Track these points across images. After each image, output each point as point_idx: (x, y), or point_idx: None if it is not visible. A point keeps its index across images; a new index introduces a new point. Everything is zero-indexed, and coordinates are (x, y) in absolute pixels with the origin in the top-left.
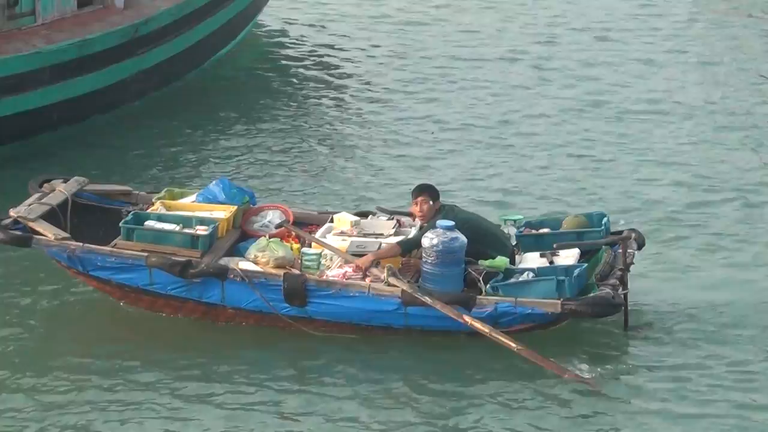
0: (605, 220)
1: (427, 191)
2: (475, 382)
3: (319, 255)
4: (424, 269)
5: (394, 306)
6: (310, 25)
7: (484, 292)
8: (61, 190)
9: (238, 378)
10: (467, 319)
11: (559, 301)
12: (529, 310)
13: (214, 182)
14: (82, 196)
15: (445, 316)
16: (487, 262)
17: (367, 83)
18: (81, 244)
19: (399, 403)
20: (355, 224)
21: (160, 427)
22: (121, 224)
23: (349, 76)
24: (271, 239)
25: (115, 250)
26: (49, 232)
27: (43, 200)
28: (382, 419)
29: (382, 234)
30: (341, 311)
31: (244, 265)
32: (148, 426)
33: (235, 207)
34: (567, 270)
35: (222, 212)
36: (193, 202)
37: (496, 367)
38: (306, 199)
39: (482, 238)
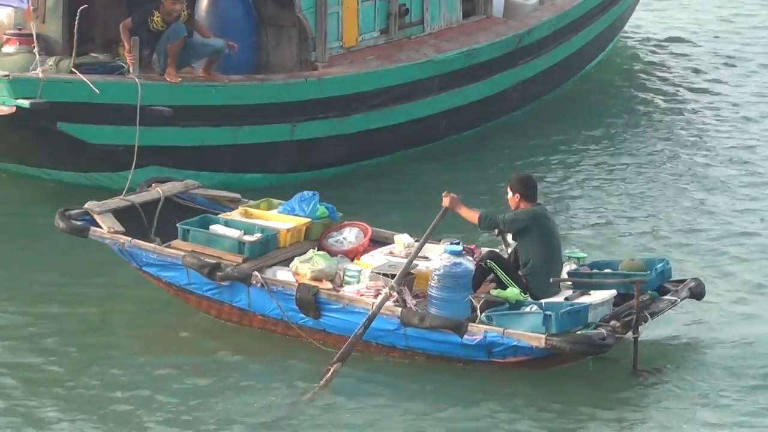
0: (660, 265)
1: (510, 182)
2: (480, 405)
3: (359, 272)
4: (429, 293)
5: (395, 326)
6: (675, 38)
7: (478, 320)
8: (157, 189)
9: (246, 385)
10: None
11: (543, 336)
12: (515, 342)
13: (297, 196)
14: (187, 198)
15: (442, 340)
16: (496, 292)
17: (736, 110)
18: (129, 238)
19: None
20: (407, 246)
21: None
22: (178, 224)
23: (713, 99)
24: (318, 252)
25: (157, 247)
26: (105, 225)
27: (128, 197)
28: None
29: (427, 257)
30: (350, 327)
31: (283, 274)
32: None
33: (307, 220)
34: (555, 306)
35: (289, 224)
36: (277, 213)
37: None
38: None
39: (544, 256)
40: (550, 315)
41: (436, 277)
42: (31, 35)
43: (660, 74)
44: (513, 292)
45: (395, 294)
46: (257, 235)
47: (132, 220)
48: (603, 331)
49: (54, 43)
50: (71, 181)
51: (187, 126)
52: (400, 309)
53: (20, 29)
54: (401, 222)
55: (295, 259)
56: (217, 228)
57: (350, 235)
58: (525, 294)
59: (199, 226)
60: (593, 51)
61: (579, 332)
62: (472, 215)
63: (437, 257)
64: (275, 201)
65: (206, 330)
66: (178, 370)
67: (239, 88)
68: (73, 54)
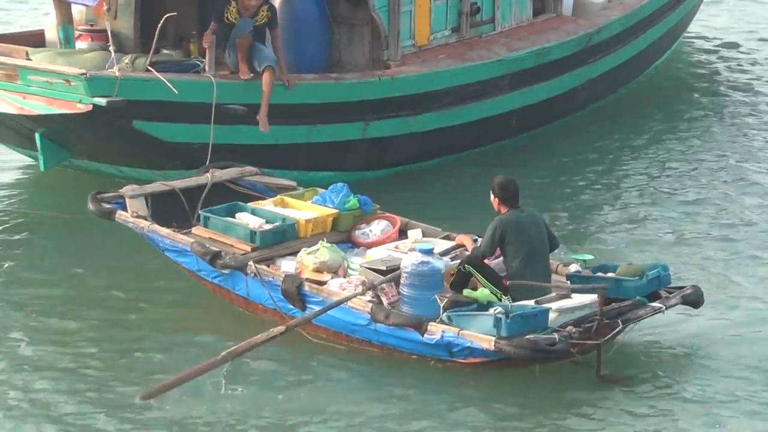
0: (654, 272)
1: (492, 185)
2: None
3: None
4: (400, 291)
5: (366, 321)
6: (733, 43)
7: (439, 320)
8: (206, 175)
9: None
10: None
11: (493, 338)
12: (469, 343)
13: (330, 187)
14: (247, 185)
15: (406, 338)
16: (466, 292)
17: None
18: (149, 223)
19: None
20: (416, 241)
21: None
22: (200, 210)
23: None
24: (326, 244)
25: (171, 233)
26: (131, 209)
27: (169, 182)
28: None
29: None
30: (331, 320)
31: (288, 265)
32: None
33: (334, 211)
34: (507, 308)
35: (311, 213)
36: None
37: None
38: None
39: (519, 260)
40: (500, 317)
41: (405, 275)
42: (102, 31)
43: (717, 78)
44: (483, 292)
45: (369, 291)
46: (269, 225)
47: (178, 204)
48: (555, 336)
49: (125, 39)
50: (144, 178)
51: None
52: (371, 305)
53: (92, 25)
54: (452, 219)
55: (302, 250)
56: (242, 216)
57: (377, 228)
58: (504, 296)
59: (227, 213)
60: (658, 50)
61: (528, 337)
62: (465, 240)
63: (408, 255)
64: (320, 190)
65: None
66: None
67: (313, 86)
68: (151, 53)
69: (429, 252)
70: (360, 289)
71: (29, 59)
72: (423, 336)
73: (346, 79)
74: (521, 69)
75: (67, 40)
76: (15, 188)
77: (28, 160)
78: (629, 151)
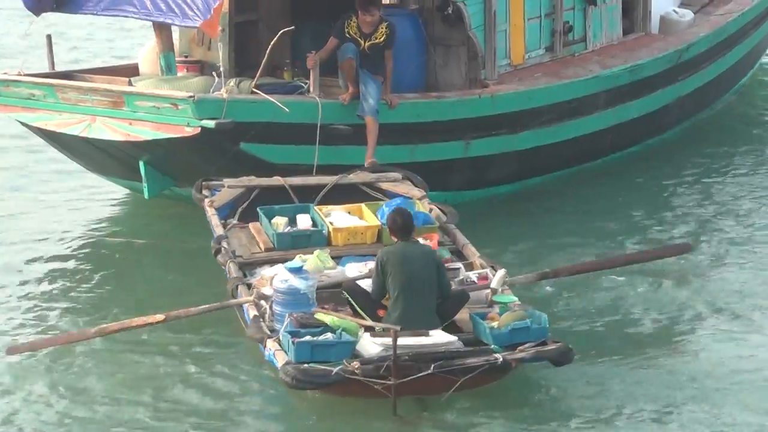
0: (523, 323)
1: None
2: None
3: None
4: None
5: None
6: None
7: (275, 338)
8: (334, 176)
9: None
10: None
11: (284, 361)
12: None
13: (398, 200)
14: (386, 191)
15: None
16: (319, 315)
17: None
18: (213, 211)
19: None
20: None
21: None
22: (258, 208)
23: None
24: (321, 252)
25: (215, 222)
26: (219, 199)
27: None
28: None
29: None
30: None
31: (271, 270)
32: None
33: (377, 224)
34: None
35: (347, 224)
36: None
37: None
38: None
39: (394, 292)
40: (287, 342)
41: (274, 293)
42: (197, 62)
43: None
44: (332, 318)
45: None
46: (289, 228)
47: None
48: (332, 369)
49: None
50: None
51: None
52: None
53: (186, 56)
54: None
55: (297, 256)
56: (301, 218)
57: None
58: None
59: (297, 213)
60: (744, 68)
61: (304, 366)
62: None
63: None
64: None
65: None
66: None
67: (415, 106)
68: (258, 75)
69: (296, 270)
70: (252, 296)
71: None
72: (264, 350)
73: (447, 97)
74: (616, 86)
75: (169, 68)
76: (113, 219)
77: (124, 191)
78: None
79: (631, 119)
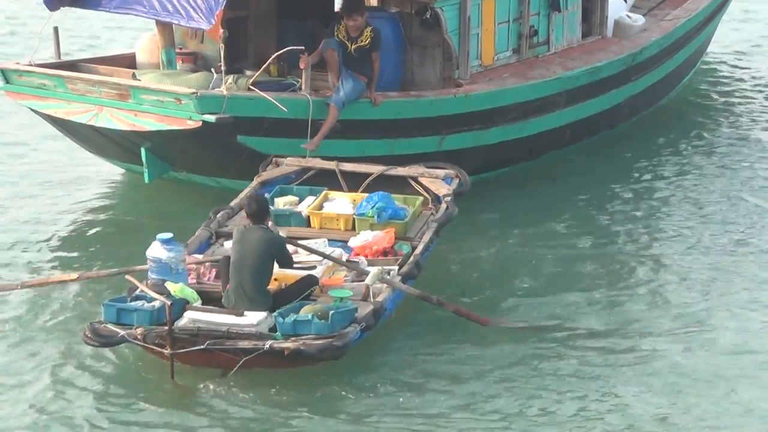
0: (304, 316)
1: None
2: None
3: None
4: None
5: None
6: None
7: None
8: (383, 167)
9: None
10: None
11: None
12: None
13: (380, 194)
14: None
15: None
16: (168, 284)
17: None
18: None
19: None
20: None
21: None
22: (279, 186)
23: None
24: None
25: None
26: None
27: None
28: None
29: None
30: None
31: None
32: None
33: (349, 213)
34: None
35: (329, 209)
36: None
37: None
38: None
39: (232, 270)
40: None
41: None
42: (191, 54)
43: (735, 95)
44: (177, 287)
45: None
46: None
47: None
48: (120, 332)
49: (212, 61)
50: (239, 188)
51: (352, 138)
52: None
53: (181, 48)
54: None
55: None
56: (277, 200)
57: (369, 236)
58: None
59: (305, 194)
60: (688, 67)
61: (105, 325)
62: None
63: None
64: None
65: None
66: None
67: (397, 103)
68: (257, 74)
69: (164, 241)
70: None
71: (137, 80)
72: None
73: (425, 96)
74: (575, 86)
75: (170, 62)
76: (116, 197)
77: (120, 171)
78: (674, 158)
79: (588, 116)
